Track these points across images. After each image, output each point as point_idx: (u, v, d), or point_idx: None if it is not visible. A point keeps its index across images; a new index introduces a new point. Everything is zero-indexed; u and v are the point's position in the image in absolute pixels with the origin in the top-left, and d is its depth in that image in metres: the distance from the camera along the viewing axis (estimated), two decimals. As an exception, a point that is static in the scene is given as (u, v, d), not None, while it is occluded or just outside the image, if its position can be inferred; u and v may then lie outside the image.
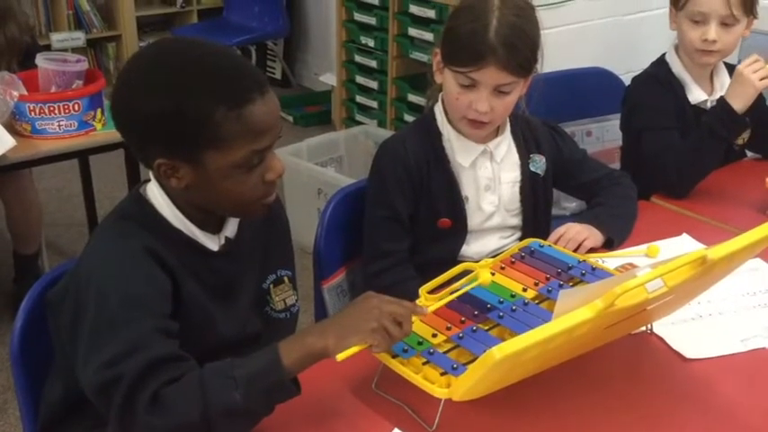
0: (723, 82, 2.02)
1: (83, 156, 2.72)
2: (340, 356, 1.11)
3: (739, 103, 1.83)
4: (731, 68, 1.98)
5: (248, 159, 1.17)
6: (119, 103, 1.20)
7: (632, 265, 1.54)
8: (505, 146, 1.70)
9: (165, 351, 1.08)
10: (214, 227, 1.28)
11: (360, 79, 3.93)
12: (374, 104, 3.89)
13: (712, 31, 1.89)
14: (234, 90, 1.15)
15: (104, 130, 2.43)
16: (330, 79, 4.27)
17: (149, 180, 1.26)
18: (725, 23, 1.90)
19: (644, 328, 1.38)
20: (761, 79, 1.82)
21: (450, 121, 1.67)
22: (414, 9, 3.52)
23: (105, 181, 3.24)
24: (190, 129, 1.14)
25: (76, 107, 2.35)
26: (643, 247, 1.55)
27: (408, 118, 3.66)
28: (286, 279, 1.40)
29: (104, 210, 3.06)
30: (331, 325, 1.15)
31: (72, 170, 3.09)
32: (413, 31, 3.56)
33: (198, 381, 1.06)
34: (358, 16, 3.83)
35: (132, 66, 1.21)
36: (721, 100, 1.87)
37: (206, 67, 1.16)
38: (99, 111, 2.41)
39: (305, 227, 2.45)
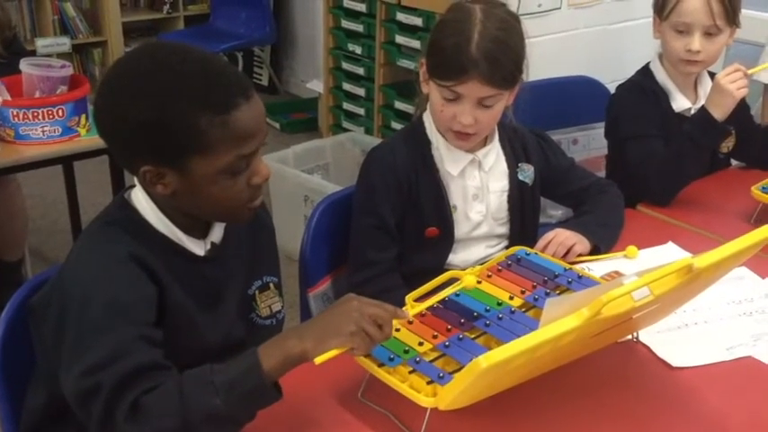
0: (707, 90, 2.02)
1: (67, 162, 2.70)
2: (318, 360, 1.08)
3: (719, 112, 1.84)
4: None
5: (235, 164, 1.16)
6: (102, 111, 1.18)
7: (618, 273, 1.56)
8: (494, 155, 1.70)
9: (145, 359, 1.07)
10: (200, 232, 1.27)
11: (347, 86, 3.93)
12: (361, 111, 3.89)
13: (696, 41, 1.91)
14: (219, 96, 1.14)
15: (89, 136, 2.42)
16: (317, 86, 4.26)
17: (134, 185, 1.25)
18: (708, 33, 1.91)
19: (630, 337, 1.38)
20: (739, 89, 1.82)
21: (439, 130, 1.67)
22: (401, 17, 3.52)
23: (89, 187, 3.21)
24: (175, 136, 1.13)
25: (60, 113, 2.34)
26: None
27: (395, 125, 3.66)
28: (272, 285, 1.39)
29: (88, 216, 3.00)
30: (310, 328, 1.12)
31: (55, 176, 3.06)
32: (400, 39, 3.55)
33: (177, 388, 1.05)
34: (345, 23, 3.82)
35: (115, 72, 1.19)
36: (701, 109, 1.88)
37: (190, 74, 1.15)
38: (83, 116, 2.39)
39: (291, 234, 2.44)
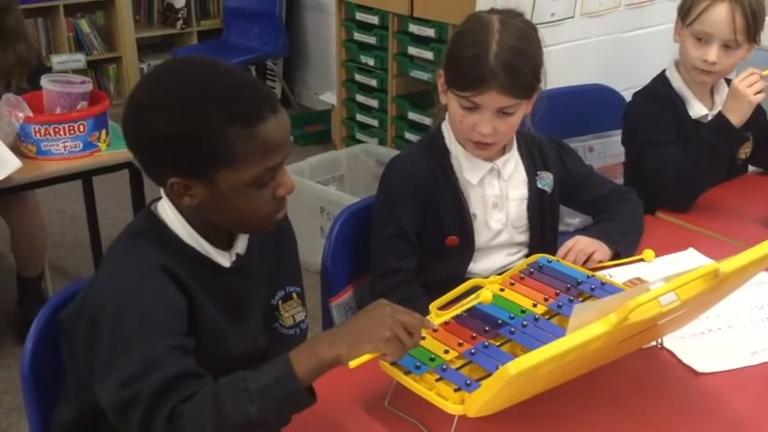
0: (723, 97, 2.02)
1: (87, 177, 2.72)
2: (353, 364, 1.10)
3: (736, 118, 1.84)
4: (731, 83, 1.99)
5: (261, 177, 1.18)
6: (130, 125, 1.20)
7: (641, 280, 1.56)
8: (513, 163, 1.71)
9: (181, 368, 1.08)
10: (225, 243, 1.28)
11: (360, 98, 3.95)
12: (375, 123, 3.91)
13: (713, 52, 1.91)
14: (246, 109, 1.16)
15: (109, 151, 2.44)
16: (330, 98, 4.28)
17: (160, 198, 1.27)
18: (727, 46, 1.92)
19: (654, 343, 1.38)
20: (756, 93, 1.83)
21: (458, 140, 1.68)
22: (413, 28, 3.54)
23: (109, 202, 3.24)
24: (203, 149, 1.14)
25: (81, 128, 2.36)
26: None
27: (409, 136, 3.68)
28: (295, 295, 1.40)
29: (108, 231, 3.06)
30: (342, 332, 1.13)
31: (74, 191, 3.09)
32: (412, 50, 3.57)
33: (213, 396, 1.06)
34: (358, 36, 3.85)
35: (144, 87, 1.21)
36: (718, 114, 1.88)
37: (219, 87, 1.16)
38: (104, 131, 2.42)
39: (308, 246, 2.43)
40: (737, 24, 1.89)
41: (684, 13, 1.98)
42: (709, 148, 1.87)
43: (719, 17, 1.89)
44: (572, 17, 2.90)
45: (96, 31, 4.78)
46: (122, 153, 2.41)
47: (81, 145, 2.38)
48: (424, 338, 1.27)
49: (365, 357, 1.10)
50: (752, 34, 1.92)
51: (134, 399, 1.05)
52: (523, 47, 1.56)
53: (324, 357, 1.09)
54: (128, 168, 2.47)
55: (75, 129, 2.35)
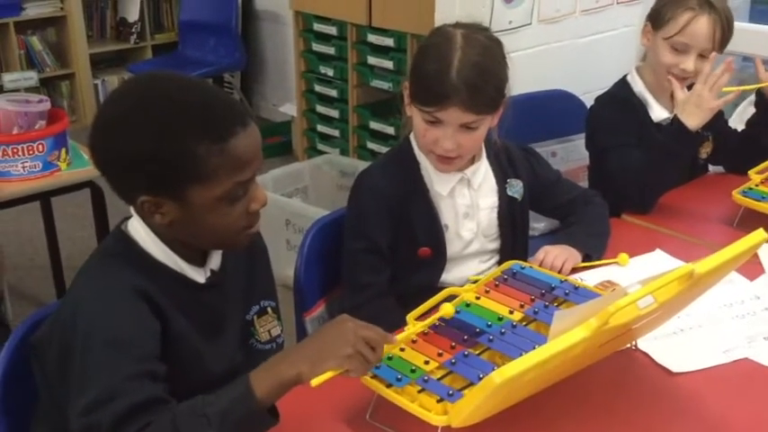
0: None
1: (47, 197, 2.67)
2: (315, 382, 1.08)
3: (694, 122, 1.83)
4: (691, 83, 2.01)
5: (233, 192, 1.17)
6: (99, 144, 1.18)
7: (611, 282, 1.58)
8: (482, 172, 1.71)
9: (144, 396, 1.06)
10: (199, 260, 1.27)
11: (320, 108, 3.93)
12: (336, 133, 3.90)
13: (691, 62, 1.94)
14: (216, 124, 1.15)
15: (69, 170, 2.40)
16: (290, 110, 4.26)
17: (131, 216, 1.25)
18: (702, 56, 1.94)
19: (629, 345, 1.40)
20: (716, 100, 1.81)
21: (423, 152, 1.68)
22: (372, 38, 3.54)
23: (67, 222, 3.18)
24: (174, 166, 1.13)
25: (41, 148, 2.32)
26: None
27: (371, 145, 3.68)
28: (270, 309, 1.39)
29: (67, 252, 3.00)
30: (303, 350, 1.11)
31: (30, 211, 3.01)
32: (372, 60, 3.57)
33: (171, 423, 1.03)
34: (316, 46, 3.84)
35: (111, 105, 1.20)
36: (675, 119, 1.87)
37: (187, 103, 1.15)
38: (63, 150, 2.38)
39: (275, 259, 2.42)
40: (717, 36, 1.92)
41: (657, 20, 1.99)
42: (666, 151, 1.88)
43: (701, 30, 1.92)
44: (529, 24, 2.93)
45: (48, 48, 4.70)
46: (83, 172, 2.38)
47: (40, 165, 2.34)
48: (404, 349, 1.28)
49: (328, 375, 1.08)
50: (725, 44, 1.96)
51: (94, 427, 1.03)
52: (486, 63, 1.56)
53: (284, 377, 1.06)
54: (89, 188, 2.43)
55: (34, 149, 2.31)
